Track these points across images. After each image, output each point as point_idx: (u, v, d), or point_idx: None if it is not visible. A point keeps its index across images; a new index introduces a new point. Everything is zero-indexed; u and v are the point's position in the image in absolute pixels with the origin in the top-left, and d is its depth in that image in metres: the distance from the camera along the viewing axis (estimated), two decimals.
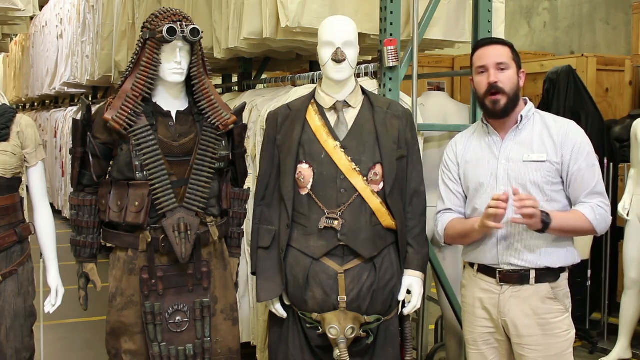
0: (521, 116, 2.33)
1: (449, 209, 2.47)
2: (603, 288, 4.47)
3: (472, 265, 2.43)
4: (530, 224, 2.19)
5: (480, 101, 2.36)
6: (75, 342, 4.56)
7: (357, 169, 2.35)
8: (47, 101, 11.83)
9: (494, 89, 2.29)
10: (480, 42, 2.43)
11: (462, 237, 2.42)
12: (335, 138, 2.38)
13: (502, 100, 2.29)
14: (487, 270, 2.37)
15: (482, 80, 2.32)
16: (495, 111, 2.32)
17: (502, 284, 2.33)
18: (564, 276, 2.35)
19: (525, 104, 2.38)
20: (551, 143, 2.29)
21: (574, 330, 2.37)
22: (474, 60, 2.37)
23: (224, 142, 2.51)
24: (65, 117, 8.85)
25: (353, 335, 2.32)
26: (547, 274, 2.30)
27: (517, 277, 2.31)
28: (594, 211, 2.26)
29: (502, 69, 2.30)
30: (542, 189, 2.28)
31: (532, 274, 2.29)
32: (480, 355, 2.44)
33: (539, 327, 2.30)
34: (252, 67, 4.53)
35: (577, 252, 2.37)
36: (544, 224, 2.18)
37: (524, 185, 2.28)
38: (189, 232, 2.38)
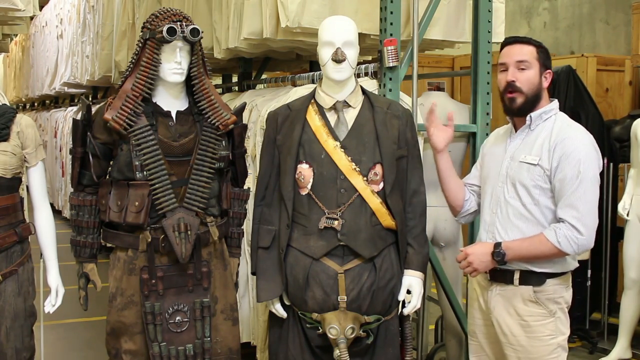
0: (530, 117, 2.32)
1: (466, 184, 2.59)
2: (603, 288, 4.47)
3: None
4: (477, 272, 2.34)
5: (501, 98, 2.39)
6: (75, 342, 4.56)
7: (357, 169, 2.35)
8: (47, 101, 11.82)
9: (510, 88, 2.31)
10: (505, 41, 2.43)
11: None
12: (335, 138, 2.38)
13: (519, 99, 2.31)
14: None
15: (502, 78, 2.35)
16: (512, 109, 2.34)
17: (491, 281, 2.36)
18: (552, 282, 2.29)
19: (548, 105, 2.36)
20: (547, 148, 2.27)
21: (563, 337, 2.31)
22: (499, 58, 2.39)
23: (224, 142, 2.51)
24: (65, 117, 8.85)
25: (353, 335, 2.32)
26: (530, 277, 2.28)
27: (503, 276, 2.32)
28: (556, 234, 2.19)
29: (522, 69, 2.31)
30: (530, 191, 2.27)
31: (516, 274, 2.30)
32: (478, 346, 2.48)
33: (521, 328, 2.30)
34: (252, 67, 4.53)
35: (571, 260, 2.32)
36: (499, 263, 2.26)
37: (514, 184, 2.30)
38: (189, 232, 2.38)
